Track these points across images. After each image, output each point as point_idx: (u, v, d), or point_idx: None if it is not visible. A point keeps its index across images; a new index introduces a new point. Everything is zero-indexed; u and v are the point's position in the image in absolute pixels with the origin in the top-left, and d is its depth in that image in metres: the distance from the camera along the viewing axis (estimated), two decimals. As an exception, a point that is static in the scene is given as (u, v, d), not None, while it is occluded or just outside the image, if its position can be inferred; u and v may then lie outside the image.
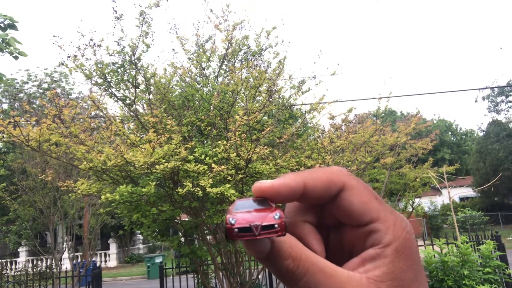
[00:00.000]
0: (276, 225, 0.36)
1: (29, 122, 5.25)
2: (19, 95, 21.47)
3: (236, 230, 0.36)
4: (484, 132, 33.21)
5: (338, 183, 0.40)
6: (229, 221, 0.36)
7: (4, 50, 6.45)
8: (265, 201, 0.39)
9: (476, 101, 37.98)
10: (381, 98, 7.29)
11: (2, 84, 21.41)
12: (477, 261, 5.96)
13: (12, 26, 6.47)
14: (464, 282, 5.54)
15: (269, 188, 0.39)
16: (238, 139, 5.03)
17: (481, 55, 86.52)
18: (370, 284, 0.38)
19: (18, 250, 24.96)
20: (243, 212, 0.38)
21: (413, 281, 0.39)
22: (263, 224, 0.36)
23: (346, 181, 0.41)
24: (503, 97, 35.90)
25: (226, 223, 0.37)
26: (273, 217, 0.36)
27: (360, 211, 0.40)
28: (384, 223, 0.40)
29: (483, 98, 36.63)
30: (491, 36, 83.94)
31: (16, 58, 6.55)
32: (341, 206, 0.41)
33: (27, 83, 22.96)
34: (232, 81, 6.19)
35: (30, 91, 22.65)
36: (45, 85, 22.52)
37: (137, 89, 6.13)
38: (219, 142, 5.31)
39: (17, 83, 22.61)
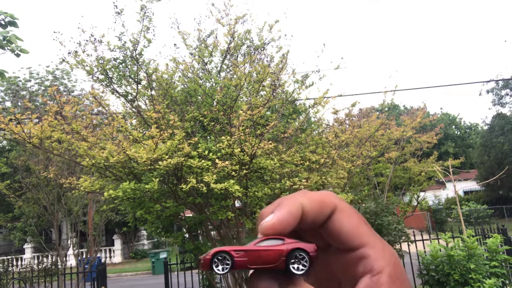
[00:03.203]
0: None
1: (30, 119, 5.21)
2: (21, 93, 21.48)
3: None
4: (489, 126, 33.01)
5: (330, 204, 0.41)
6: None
7: (6, 48, 6.41)
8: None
9: (480, 94, 37.53)
10: (386, 91, 7.20)
11: (5, 82, 21.41)
12: (483, 254, 5.91)
13: (13, 23, 6.40)
14: (470, 276, 5.49)
15: (276, 225, 0.40)
16: (242, 134, 4.98)
17: (485, 48, 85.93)
18: None
19: (24, 246, 25.13)
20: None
21: None
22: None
23: (337, 203, 0.42)
24: (508, 90, 35.55)
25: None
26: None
27: (350, 234, 0.41)
28: (373, 248, 0.41)
29: (488, 91, 36.30)
30: (495, 29, 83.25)
31: (18, 55, 6.50)
32: (332, 228, 0.41)
33: (30, 81, 22.96)
34: (235, 76, 6.13)
35: (32, 89, 22.66)
36: (47, 83, 22.51)
37: (139, 85, 6.08)
38: (223, 137, 5.26)
39: (20, 81, 22.61)
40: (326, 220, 0.41)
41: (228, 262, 0.42)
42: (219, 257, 0.42)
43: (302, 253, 0.40)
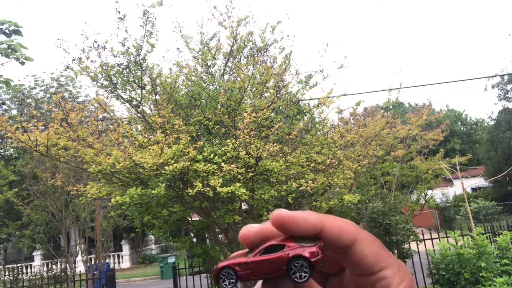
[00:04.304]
0: None
1: (36, 127, 5.24)
2: (27, 101, 21.64)
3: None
4: (495, 121, 32.71)
5: (352, 234, 0.43)
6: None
7: (11, 56, 6.45)
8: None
9: (485, 89, 37.17)
10: (391, 89, 7.16)
11: (11, 90, 21.58)
12: (494, 252, 5.84)
13: (17, 32, 6.45)
14: (481, 274, 5.43)
15: (284, 219, 0.41)
16: (247, 136, 4.96)
17: (490, 42, 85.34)
18: None
19: (33, 254, 25.24)
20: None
21: None
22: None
23: (357, 233, 0.44)
24: (513, 84, 35.23)
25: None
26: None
27: (374, 262, 0.44)
28: (391, 269, 0.44)
29: (493, 86, 35.96)
30: (499, 23, 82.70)
31: (22, 63, 6.55)
32: (355, 258, 0.44)
33: (35, 88, 23.10)
34: (238, 78, 6.12)
35: (37, 96, 22.81)
36: (52, 90, 22.65)
37: (143, 90, 6.09)
38: (228, 140, 5.25)
39: (25, 88, 22.76)
40: (345, 249, 0.43)
41: (233, 276, 0.44)
42: (224, 273, 0.44)
43: (300, 261, 0.40)
